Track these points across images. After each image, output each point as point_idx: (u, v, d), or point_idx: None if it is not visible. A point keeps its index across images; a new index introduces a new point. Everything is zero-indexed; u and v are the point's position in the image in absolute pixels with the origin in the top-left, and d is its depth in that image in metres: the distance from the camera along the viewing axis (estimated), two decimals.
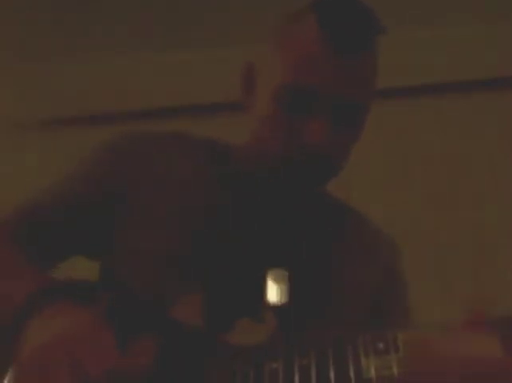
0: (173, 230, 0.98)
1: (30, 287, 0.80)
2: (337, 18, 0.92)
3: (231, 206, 1.02)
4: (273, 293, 0.92)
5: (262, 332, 0.81)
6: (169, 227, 0.98)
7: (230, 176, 1.04)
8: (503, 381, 0.68)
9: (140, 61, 2.77)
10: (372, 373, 0.68)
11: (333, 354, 0.70)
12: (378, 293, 1.04)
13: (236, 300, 0.92)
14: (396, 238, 1.14)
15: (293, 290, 0.93)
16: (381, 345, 0.69)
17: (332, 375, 0.69)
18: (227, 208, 1.01)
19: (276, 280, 0.93)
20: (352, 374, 0.68)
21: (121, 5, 2.54)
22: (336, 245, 1.04)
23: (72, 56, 2.76)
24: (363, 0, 0.94)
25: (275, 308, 0.89)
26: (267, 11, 2.55)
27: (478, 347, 0.68)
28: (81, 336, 0.72)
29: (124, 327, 0.77)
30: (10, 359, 0.74)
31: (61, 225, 1.01)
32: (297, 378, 0.70)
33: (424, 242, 2.42)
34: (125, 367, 0.74)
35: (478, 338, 0.69)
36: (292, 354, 0.72)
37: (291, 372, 0.70)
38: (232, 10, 2.55)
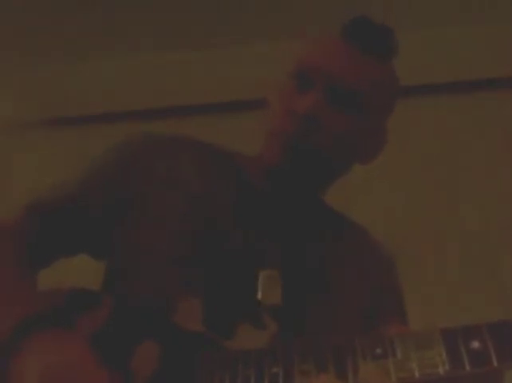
0: (175, 232, 0.98)
1: (16, 316, 0.78)
2: (358, 26, 1.03)
3: (233, 208, 1.02)
4: (268, 294, 0.92)
5: (263, 337, 0.81)
6: (171, 229, 0.98)
7: (233, 182, 1.05)
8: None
9: (140, 61, 2.77)
10: None
11: (332, 359, 0.70)
12: (373, 302, 1.04)
13: (236, 304, 0.92)
14: (396, 239, 1.14)
15: (288, 293, 0.94)
16: (379, 350, 0.69)
17: None
18: (229, 211, 1.01)
19: (270, 281, 0.93)
20: (350, 378, 0.68)
21: (121, 5, 2.55)
22: (333, 252, 1.05)
23: (72, 56, 2.77)
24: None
25: (273, 311, 0.89)
26: (267, 11, 2.55)
27: None
28: (71, 368, 0.72)
29: (116, 341, 0.77)
30: None
31: (67, 223, 1.02)
32: None
33: (424, 243, 2.42)
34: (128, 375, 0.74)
35: None
36: (292, 359, 0.72)
37: (291, 376, 0.71)
38: (232, 10, 2.55)
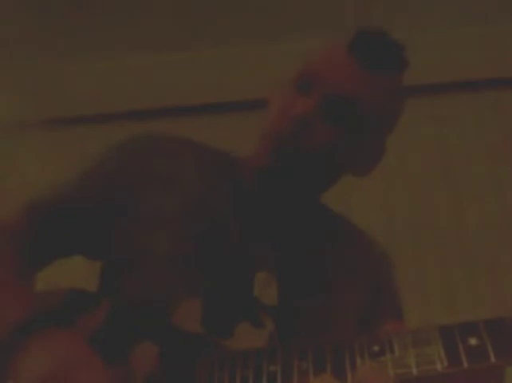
0: (175, 232, 0.98)
1: (15, 316, 0.79)
2: (365, 42, 1.02)
3: (232, 208, 1.02)
4: (264, 296, 0.92)
5: (262, 336, 0.81)
6: (171, 229, 0.98)
7: (233, 182, 1.05)
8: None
9: (140, 61, 2.77)
10: None
11: (330, 357, 0.70)
12: (371, 303, 1.04)
13: (235, 303, 0.92)
14: (396, 239, 1.14)
15: (287, 293, 0.94)
16: (376, 348, 0.69)
17: None
18: (229, 211, 1.02)
19: (266, 284, 0.94)
20: (348, 376, 0.68)
21: (121, 5, 2.55)
22: (331, 253, 1.05)
23: (72, 56, 2.77)
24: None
25: (271, 310, 0.89)
26: (267, 11, 2.55)
27: None
28: (71, 367, 0.73)
29: (114, 342, 0.77)
30: None
31: (66, 223, 1.02)
32: (295, 381, 0.70)
33: (424, 243, 2.42)
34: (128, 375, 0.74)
35: None
36: (290, 357, 0.72)
37: (289, 374, 0.71)
38: (232, 10, 2.55)
